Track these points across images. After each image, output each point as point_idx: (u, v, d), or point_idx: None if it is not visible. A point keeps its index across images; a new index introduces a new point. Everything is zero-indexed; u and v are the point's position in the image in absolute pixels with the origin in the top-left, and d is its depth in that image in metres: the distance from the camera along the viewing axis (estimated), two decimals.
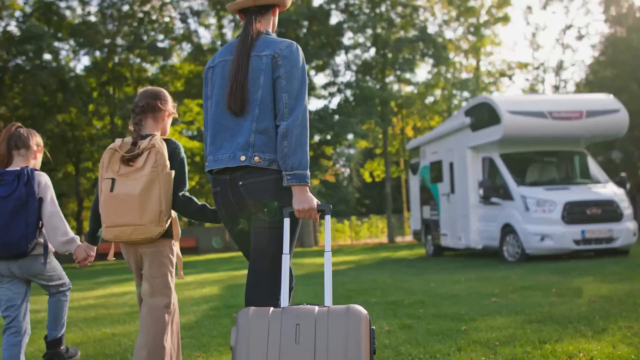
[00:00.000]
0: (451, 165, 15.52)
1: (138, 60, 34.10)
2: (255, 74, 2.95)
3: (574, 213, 12.39)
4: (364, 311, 2.55)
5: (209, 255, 28.21)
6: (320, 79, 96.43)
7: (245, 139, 2.90)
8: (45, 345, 4.42)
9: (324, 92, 35.15)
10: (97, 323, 7.10)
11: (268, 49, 2.98)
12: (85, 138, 32.89)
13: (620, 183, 13.65)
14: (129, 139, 3.45)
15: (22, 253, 3.78)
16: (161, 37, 34.13)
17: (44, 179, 3.89)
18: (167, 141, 3.46)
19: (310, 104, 44.63)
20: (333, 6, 33.37)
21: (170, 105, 3.63)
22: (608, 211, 12.54)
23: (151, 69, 35.66)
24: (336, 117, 32.58)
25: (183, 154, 3.49)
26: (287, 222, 2.89)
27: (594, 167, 14.16)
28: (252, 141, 2.89)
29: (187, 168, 3.52)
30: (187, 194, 3.46)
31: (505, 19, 36.44)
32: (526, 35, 62.86)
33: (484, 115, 13.86)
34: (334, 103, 36.44)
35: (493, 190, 13.45)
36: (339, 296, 8.46)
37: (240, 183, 2.92)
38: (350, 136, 32.21)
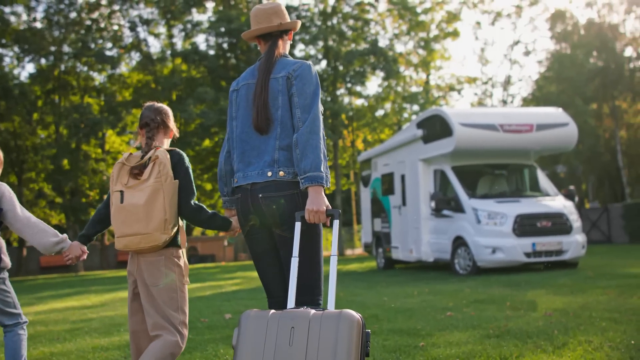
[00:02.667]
0: (403, 177, 15.46)
1: (85, 68, 33.33)
2: (274, 95, 3.17)
3: (525, 226, 12.42)
4: (357, 315, 2.64)
5: None
6: None
7: (271, 156, 3.13)
8: None
9: None
10: (34, 341, 6.71)
11: (284, 70, 3.21)
12: (29, 147, 31.92)
13: (569, 196, 13.77)
14: (137, 153, 3.56)
15: None
16: (109, 45, 33.49)
17: (6, 189, 3.81)
18: (171, 152, 3.53)
19: None
20: None
21: (173, 124, 3.74)
22: (558, 224, 12.61)
23: (99, 78, 34.95)
24: None
25: (188, 163, 3.54)
26: (298, 225, 3.05)
27: (543, 180, 14.27)
28: (277, 157, 3.12)
29: (192, 176, 3.58)
30: (197, 202, 3.53)
31: (455, 34, 36.93)
32: (475, 50, 63.96)
33: (436, 128, 13.84)
34: None
35: (444, 202, 13.41)
36: None
37: (260, 195, 3.12)
38: None
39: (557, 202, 13.18)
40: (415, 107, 35.34)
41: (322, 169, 3.01)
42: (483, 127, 13.11)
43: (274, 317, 2.71)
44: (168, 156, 3.45)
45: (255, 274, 18.12)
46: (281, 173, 3.09)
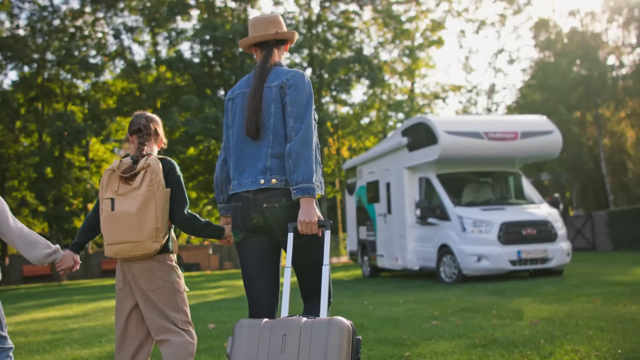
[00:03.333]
0: (388, 185, 15.42)
1: (69, 76, 33.08)
2: (267, 103, 3.23)
3: (510, 233, 12.41)
4: (347, 322, 2.70)
5: None
6: None
7: (263, 163, 3.19)
8: None
9: None
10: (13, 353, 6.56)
11: (277, 79, 3.26)
12: (12, 155, 31.62)
13: (553, 203, 13.78)
14: (126, 160, 3.56)
15: None
16: (93, 52, 33.28)
17: None
18: (163, 160, 3.55)
19: None
20: None
21: (162, 132, 3.79)
22: (543, 231, 12.60)
23: (82, 86, 34.71)
24: None
25: (179, 172, 3.57)
26: (290, 236, 3.12)
27: (528, 188, 14.28)
28: (269, 165, 3.18)
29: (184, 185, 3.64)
30: (190, 211, 3.58)
31: (439, 42, 37.06)
32: (459, 59, 64.19)
33: (421, 135, 13.82)
34: None
35: (430, 210, 13.37)
36: None
37: (265, 205, 3.16)
38: None
39: (542, 210, 13.18)
40: (401, 115, 35.41)
41: (313, 180, 3.07)
42: (468, 134, 13.10)
43: (266, 326, 2.78)
44: (160, 165, 3.46)
45: (240, 282, 18.01)
46: (274, 180, 3.14)
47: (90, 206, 35.84)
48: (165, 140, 3.81)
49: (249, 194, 3.21)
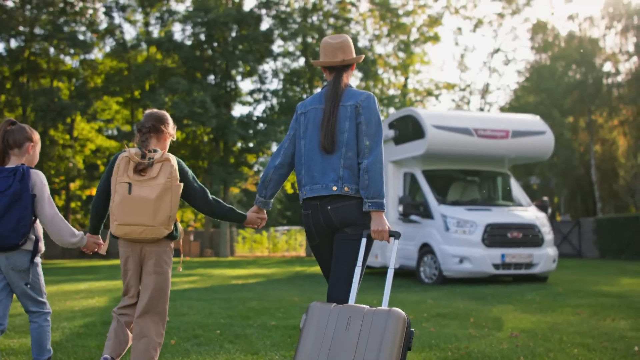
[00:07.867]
0: None
1: (57, 51, 32.23)
2: (342, 120, 3.60)
3: (495, 236, 11.88)
4: (403, 314, 3.14)
5: (117, 260, 26.72)
6: (246, 84, 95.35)
7: (336, 173, 3.57)
8: None
9: (249, 99, 34.25)
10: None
11: (352, 99, 3.63)
12: None
13: (542, 207, 13.27)
14: (136, 150, 3.84)
15: (13, 245, 3.86)
16: (83, 29, 32.44)
17: (39, 177, 3.97)
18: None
19: (235, 110, 44.05)
20: (264, 11, 32.56)
21: (171, 128, 4.07)
22: (529, 235, 12.09)
23: (70, 62, 33.88)
24: (260, 125, 31.68)
25: (186, 167, 3.94)
26: (364, 241, 3.52)
27: (516, 190, 13.75)
28: (342, 175, 3.56)
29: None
30: (214, 197, 4.00)
31: (436, 38, 36.46)
32: (455, 56, 63.62)
33: (408, 129, 13.24)
34: (259, 110, 35.63)
35: (413, 207, 12.82)
36: (237, 315, 7.56)
37: (329, 207, 3.58)
38: (273, 145, 31.38)
39: (530, 213, 12.66)
40: (392, 110, 34.84)
41: (384, 197, 3.48)
42: (457, 130, 12.54)
43: (335, 309, 3.25)
44: (176, 160, 3.83)
45: (215, 271, 17.54)
46: (346, 189, 3.53)
47: (73, 185, 35.23)
48: (172, 134, 4.07)
49: (317, 200, 3.60)
